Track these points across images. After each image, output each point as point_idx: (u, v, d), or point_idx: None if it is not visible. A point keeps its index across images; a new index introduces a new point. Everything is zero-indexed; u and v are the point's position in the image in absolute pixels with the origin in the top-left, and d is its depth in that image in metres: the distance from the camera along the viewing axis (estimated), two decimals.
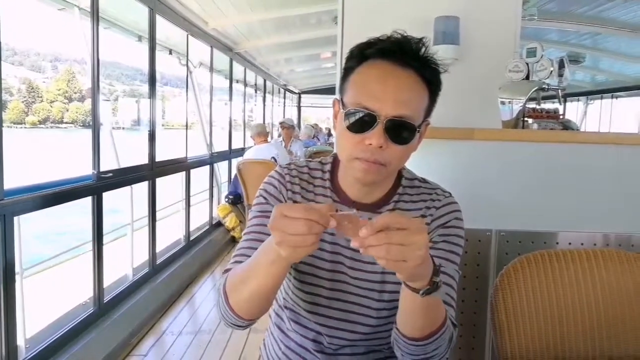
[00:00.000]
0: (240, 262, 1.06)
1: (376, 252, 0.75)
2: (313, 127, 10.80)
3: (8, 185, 2.40)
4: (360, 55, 1.04)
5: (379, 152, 0.98)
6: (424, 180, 1.19)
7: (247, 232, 1.13)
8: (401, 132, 0.99)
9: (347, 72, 1.07)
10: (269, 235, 1.06)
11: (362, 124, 0.99)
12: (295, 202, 1.14)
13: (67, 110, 55.68)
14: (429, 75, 1.03)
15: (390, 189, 1.14)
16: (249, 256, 1.03)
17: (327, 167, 1.18)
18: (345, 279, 1.12)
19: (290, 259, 0.84)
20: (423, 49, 1.03)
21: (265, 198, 1.15)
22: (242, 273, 0.98)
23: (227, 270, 1.08)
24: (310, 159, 1.23)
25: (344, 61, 1.09)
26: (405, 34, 1.03)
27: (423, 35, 1.04)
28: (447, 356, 1.02)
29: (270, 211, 1.09)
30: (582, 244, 1.71)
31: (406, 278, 0.84)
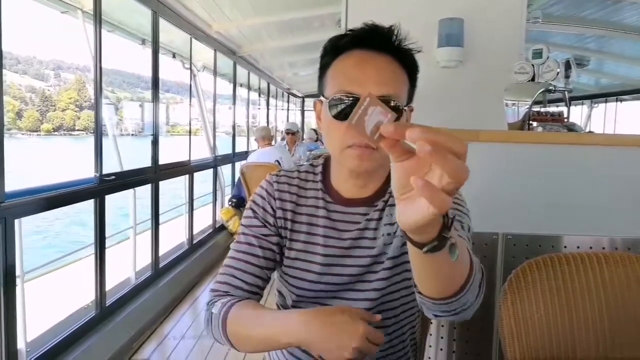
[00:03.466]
0: (228, 283, 1.09)
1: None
2: (315, 130, 10.78)
3: (9, 187, 2.39)
4: (334, 49, 1.05)
5: None
6: None
7: (235, 248, 1.13)
8: None
9: (323, 69, 1.07)
10: (256, 256, 1.10)
11: (348, 109, 0.98)
12: (284, 210, 1.14)
13: (79, 118, 57.56)
14: (405, 60, 1.04)
15: (384, 182, 1.12)
16: (237, 278, 1.08)
17: (319, 169, 1.17)
18: (340, 271, 1.10)
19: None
20: (394, 36, 1.03)
21: (254, 211, 1.15)
22: (252, 332, 1.00)
23: (215, 291, 1.09)
24: (300, 164, 1.22)
25: None
26: (375, 23, 1.04)
27: (392, 24, 1.05)
28: (480, 301, 0.87)
29: (257, 226, 1.12)
30: (590, 247, 1.68)
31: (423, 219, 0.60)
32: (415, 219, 0.60)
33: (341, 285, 1.11)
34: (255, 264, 1.10)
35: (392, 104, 0.96)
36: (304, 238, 1.13)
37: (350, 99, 0.97)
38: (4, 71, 2.26)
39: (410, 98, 1.06)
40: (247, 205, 1.17)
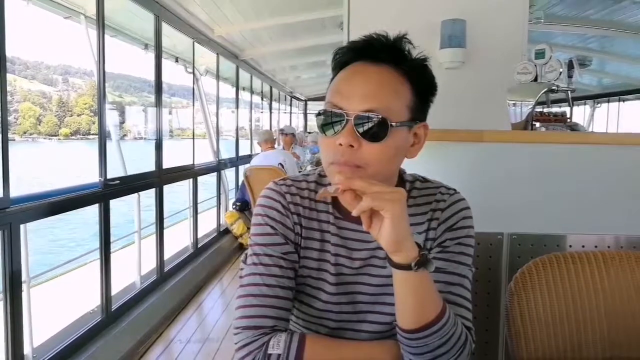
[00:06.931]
0: (269, 316, 0.97)
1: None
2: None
3: (14, 193, 2.41)
4: (337, 62, 1.02)
5: (351, 152, 0.91)
6: (424, 180, 1.12)
7: (261, 272, 1.00)
8: (372, 127, 0.91)
9: (330, 83, 1.03)
10: (289, 278, 1.02)
11: (332, 124, 0.94)
12: (298, 225, 1.06)
13: (94, 123, 60.76)
14: (409, 70, 0.97)
15: None
16: (277, 308, 0.98)
17: (327, 180, 1.07)
18: (352, 289, 1.06)
19: None
20: (395, 46, 0.97)
21: (274, 228, 1.03)
22: None
23: (253, 328, 0.96)
24: (307, 174, 1.13)
25: None
26: (377, 32, 0.99)
27: (405, 33, 0.99)
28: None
29: (281, 244, 1.03)
30: (595, 246, 1.68)
31: (389, 240, 0.85)
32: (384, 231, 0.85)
33: (353, 305, 1.06)
34: (288, 287, 1.01)
35: (374, 120, 0.91)
36: (316, 256, 1.06)
37: (336, 112, 0.93)
38: (14, 76, 2.28)
39: (418, 113, 0.99)
40: (260, 220, 1.05)
